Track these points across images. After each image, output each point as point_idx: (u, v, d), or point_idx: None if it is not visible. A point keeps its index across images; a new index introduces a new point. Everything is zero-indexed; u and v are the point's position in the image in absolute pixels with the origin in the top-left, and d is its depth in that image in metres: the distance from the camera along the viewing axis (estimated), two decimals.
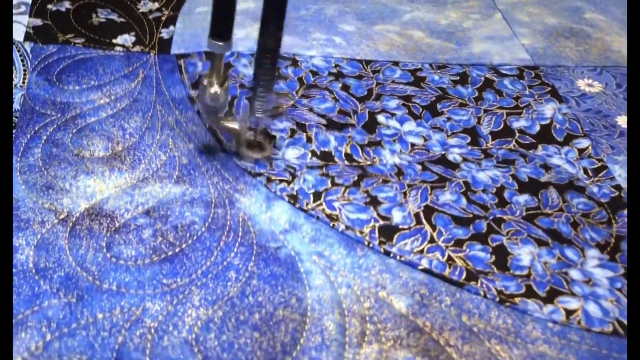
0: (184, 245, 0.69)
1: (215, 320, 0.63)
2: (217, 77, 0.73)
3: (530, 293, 0.68)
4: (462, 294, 0.67)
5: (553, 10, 1.11)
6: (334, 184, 0.77)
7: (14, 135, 0.79)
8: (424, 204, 0.76)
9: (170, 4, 1.05)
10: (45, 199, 0.72)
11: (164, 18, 1.02)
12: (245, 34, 0.98)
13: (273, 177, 0.77)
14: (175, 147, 0.80)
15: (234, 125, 0.78)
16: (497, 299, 0.67)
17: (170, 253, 0.68)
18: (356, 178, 0.77)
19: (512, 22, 1.06)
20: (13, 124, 0.81)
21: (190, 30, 0.99)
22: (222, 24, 0.70)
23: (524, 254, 0.71)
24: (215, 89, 0.73)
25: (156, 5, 1.04)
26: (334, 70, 0.93)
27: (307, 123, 0.85)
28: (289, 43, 0.97)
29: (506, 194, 0.78)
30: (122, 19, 1.01)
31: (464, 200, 0.77)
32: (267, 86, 0.74)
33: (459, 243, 0.72)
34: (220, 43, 0.71)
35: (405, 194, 0.76)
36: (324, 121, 0.85)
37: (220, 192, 0.75)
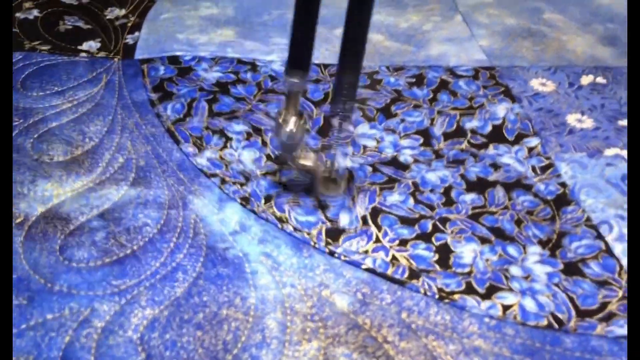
0: (135, 247, 0.71)
1: (161, 319, 0.65)
2: (293, 114, 0.72)
3: (470, 290, 0.70)
4: (403, 292, 0.69)
5: (513, 11, 1.13)
6: (286, 189, 0.79)
7: None
8: (371, 205, 0.78)
9: (137, 10, 1.07)
10: None
11: (129, 24, 1.04)
12: (208, 39, 1.01)
13: (227, 179, 0.79)
14: (133, 150, 0.82)
15: (309, 162, 0.77)
16: (437, 296, 0.69)
17: (121, 255, 0.71)
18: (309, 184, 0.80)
19: (472, 23, 1.08)
20: None
21: (154, 36, 1.01)
22: (299, 59, 0.69)
23: (467, 251, 0.73)
24: (291, 126, 0.72)
25: (123, 12, 1.07)
26: None
27: (262, 127, 0.87)
28: (249, 48, 0.99)
29: (453, 194, 0.80)
30: (88, 26, 1.03)
31: (411, 201, 0.78)
32: (351, 89, 0.71)
33: (403, 243, 0.74)
34: (296, 80, 0.70)
35: (353, 198, 0.78)
36: None
37: (175, 193, 0.77)
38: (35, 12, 1.05)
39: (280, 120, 0.72)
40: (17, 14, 1.04)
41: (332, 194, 0.79)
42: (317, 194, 0.79)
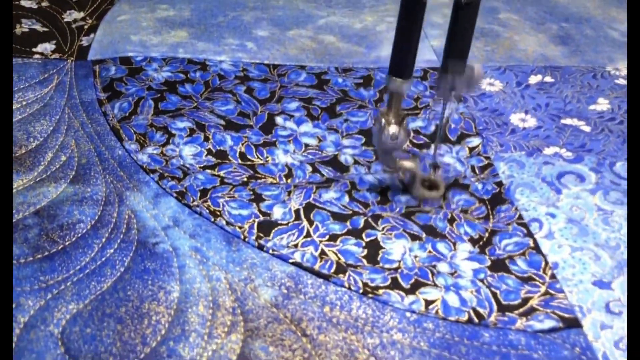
0: (67, 243, 0.72)
1: (84, 314, 0.66)
2: (396, 115, 0.72)
3: (395, 285, 0.70)
4: (328, 286, 0.70)
5: None
6: (222, 182, 0.80)
7: None
8: (306, 201, 0.78)
9: (95, 13, 1.08)
10: None
11: (86, 27, 1.05)
12: (161, 40, 1.02)
13: (166, 175, 0.80)
14: (77, 148, 0.83)
15: (410, 164, 0.78)
16: (361, 291, 0.69)
17: (52, 251, 0.72)
18: (245, 179, 0.80)
19: (426, 24, 1.09)
20: None
21: (109, 38, 1.02)
22: (403, 60, 0.70)
23: (396, 248, 0.74)
24: (394, 128, 0.72)
25: (81, 14, 1.08)
26: (241, 74, 0.96)
27: (206, 124, 0.88)
28: (200, 48, 1.01)
29: (389, 194, 0.80)
30: (45, 29, 1.04)
31: (346, 198, 0.79)
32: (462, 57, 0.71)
33: (333, 238, 0.74)
34: (400, 80, 0.70)
35: (289, 192, 0.79)
36: (222, 122, 0.88)
37: (112, 190, 0.78)
38: None
39: (383, 123, 0.72)
40: None
41: (431, 197, 0.79)
42: (417, 197, 0.79)
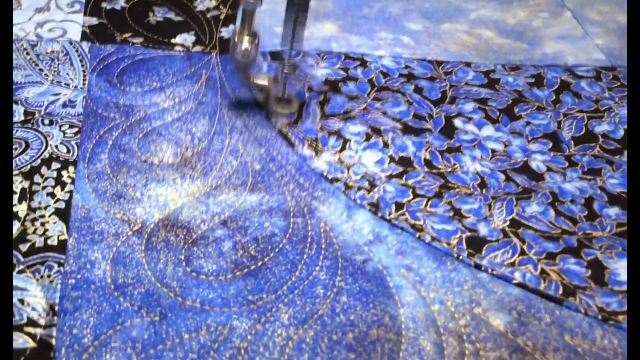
0: (266, 259, 0.66)
1: (307, 340, 0.59)
2: (248, 33, 0.74)
3: None
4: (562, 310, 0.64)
5: (624, 8, 1.06)
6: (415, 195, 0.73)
7: (79, 141, 0.75)
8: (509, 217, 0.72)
9: (227, 1, 1.01)
10: (117, 208, 0.69)
11: (222, 16, 0.98)
12: (310, 33, 0.95)
13: (350, 184, 0.73)
14: (245, 152, 0.76)
15: (263, 81, 0.79)
16: (600, 317, 0.63)
17: (252, 267, 0.65)
18: (437, 189, 0.74)
19: (583, 20, 1.02)
20: (77, 129, 0.77)
21: None
22: None
23: (621, 268, 0.67)
24: (246, 45, 0.74)
25: (213, 2, 1.01)
26: (405, 72, 0.89)
27: (382, 127, 0.81)
28: (355, 43, 0.94)
29: (596, 206, 0.74)
30: (179, 18, 0.97)
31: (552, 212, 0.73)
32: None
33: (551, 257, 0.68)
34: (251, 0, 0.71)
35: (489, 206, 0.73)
36: (399, 125, 0.81)
37: (298, 200, 0.71)
38: (122, 2, 0.99)
39: (236, 39, 0.73)
40: (104, 4, 0.98)
41: (284, 112, 0.81)
42: (270, 112, 0.82)
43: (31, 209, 0.67)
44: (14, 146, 0.73)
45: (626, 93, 0.89)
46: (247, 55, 0.74)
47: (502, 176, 0.76)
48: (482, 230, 0.70)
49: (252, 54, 0.74)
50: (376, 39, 0.94)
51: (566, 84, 0.90)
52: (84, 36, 0.91)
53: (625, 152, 0.81)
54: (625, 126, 0.84)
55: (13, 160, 0.72)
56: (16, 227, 0.66)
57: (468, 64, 0.92)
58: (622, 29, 1.02)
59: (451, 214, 0.71)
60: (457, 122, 0.82)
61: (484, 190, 0.74)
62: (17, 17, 0.92)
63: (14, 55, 0.86)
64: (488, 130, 0.82)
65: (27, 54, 0.86)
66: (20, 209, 0.67)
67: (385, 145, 0.78)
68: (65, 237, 0.65)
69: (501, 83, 0.89)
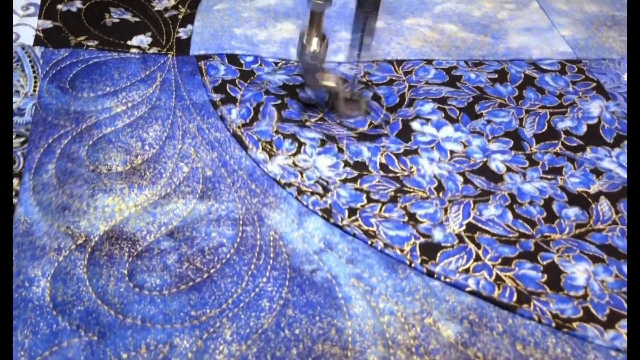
0: (212, 271, 0.64)
1: (250, 357, 0.58)
2: (317, 34, 0.72)
3: (589, 317, 0.62)
4: (515, 319, 0.62)
5: None
6: (369, 199, 0.71)
7: (25, 151, 0.73)
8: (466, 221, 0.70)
9: (185, 1, 0.99)
10: (61, 221, 0.67)
11: (180, 16, 0.96)
12: (268, 35, 0.92)
13: (303, 188, 0.71)
14: (198, 158, 0.74)
15: (331, 82, 0.77)
16: (554, 325, 0.61)
17: (197, 280, 0.63)
18: (393, 193, 0.72)
19: (550, 11, 1.00)
20: (25, 138, 0.75)
21: (209, 30, 0.93)
22: None
23: (578, 272, 0.66)
24: (314, 47, 0.72)
25: (172, 2, 0.99)
26: (363, 79, 0.87)
27: (337, 135, 0.79)
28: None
29: (554, 207, 0.72)
30: (136, 19, 0.95)
31: (509, 216, 0.71)
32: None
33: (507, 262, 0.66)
34: (320, 1, 0.69)
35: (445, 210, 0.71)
36: (354, 134, 0.79)
37: (249, 207, 0.69)
38: (78, 4, 0.97)
39: (304, 41, 0.72)
40: (59, 6, 0.96)
41: (353, 114, 0.81)
42: (339, 113, 0.81)
43: None
44: None
45: (591, 87, 0.87)
46: (315, 58, 0.73)
47: (461, 178, 0.74)
48: (437, 235, 0.68)
49: (320, 56, 0.73)
50: (336, 40, 0.92)
51: (530, 78, 0.87)
52: (37, 40, 0.89)
53: (588, 149, 0.78)
54: (589, 122, 0.82)
55: None
56: None
57: (429, 62, 0.89)
58: (590, 18, 0.99)
59: (406, 219, 0.69)
60: (415, 125, 0.80)
61: (440, 194, 0.72)
62: None
63: None
64: (447, 131, 0.80)
65: None
66: None
67: (340, 150, 0.76)
68: None
69: (463, 80, 0.87)
